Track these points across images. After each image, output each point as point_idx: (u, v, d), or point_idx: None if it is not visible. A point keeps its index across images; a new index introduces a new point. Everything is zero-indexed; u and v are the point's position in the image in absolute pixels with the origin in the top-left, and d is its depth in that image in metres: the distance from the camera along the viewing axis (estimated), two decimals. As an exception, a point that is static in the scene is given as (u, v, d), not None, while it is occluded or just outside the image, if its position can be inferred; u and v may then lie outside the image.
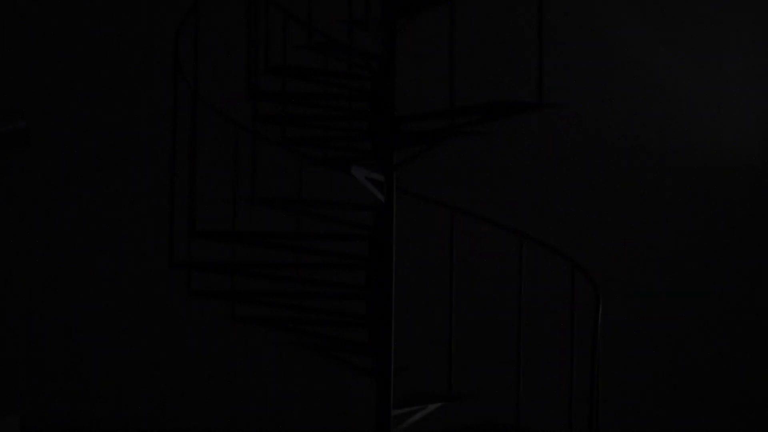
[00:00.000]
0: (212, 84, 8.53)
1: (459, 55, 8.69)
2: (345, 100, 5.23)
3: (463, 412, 8.35)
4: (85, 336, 8.61)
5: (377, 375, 4.97)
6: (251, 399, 8.62)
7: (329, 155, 5.40)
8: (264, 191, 8.36)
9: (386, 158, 4.93)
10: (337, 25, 6.82)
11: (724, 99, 8.73)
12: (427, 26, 8.20)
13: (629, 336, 8.67)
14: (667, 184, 8.73)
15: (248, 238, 4.85)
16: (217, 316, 8.17)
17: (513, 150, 8.60)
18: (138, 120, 8.66)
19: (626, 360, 8.66)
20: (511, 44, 8.66)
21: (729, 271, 8.73)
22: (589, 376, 5.23)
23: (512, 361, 8.53)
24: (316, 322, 4.99)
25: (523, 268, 5.40)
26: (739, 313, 8.72)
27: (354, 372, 5.14)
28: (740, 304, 8.72)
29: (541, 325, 8.61)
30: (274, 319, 5.16)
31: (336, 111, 5.24)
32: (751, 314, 8.71)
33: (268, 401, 8.62)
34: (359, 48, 5.00)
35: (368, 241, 4.96)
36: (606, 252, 8.69)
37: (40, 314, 8.61)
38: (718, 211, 8.73)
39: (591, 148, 8.71)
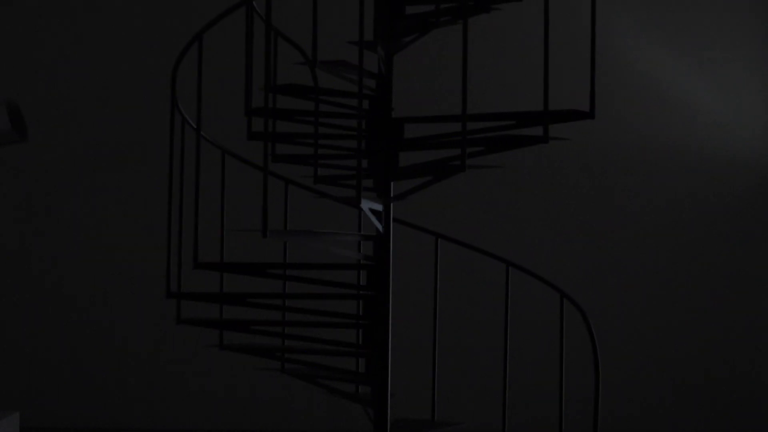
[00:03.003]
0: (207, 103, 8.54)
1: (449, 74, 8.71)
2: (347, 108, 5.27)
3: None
4: (84, 336, 8.63)
5: (372, 386, 5.01)
6: (251, 399, 8.64)
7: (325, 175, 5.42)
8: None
9: (385, 189, 4.96)
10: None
11: (727, 104, 8.74)
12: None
13: (625, 336, 8.70)
14: (666, 186, 8.75)
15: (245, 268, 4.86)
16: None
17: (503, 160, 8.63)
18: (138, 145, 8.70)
19: (618, 359, 8.69)
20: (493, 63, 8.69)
21: (729, 273, 8.74)
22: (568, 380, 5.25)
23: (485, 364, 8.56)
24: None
25: (438, 266, 5.50)
26: (740, 314, 8.73)
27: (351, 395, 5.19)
28: (741, 306, 8.74)
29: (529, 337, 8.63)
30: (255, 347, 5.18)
31: (336, 123, 5.27)
32: (752, 316, 8.73)
33: (268, 401, 8.63)
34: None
35: (367, 269, 4.99)
36: (604, 252, 8.71)
37: (40, 314, 8.63)
38: (719, 214, 8.75)
39: (590, 150, 8.72)
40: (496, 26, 8.61)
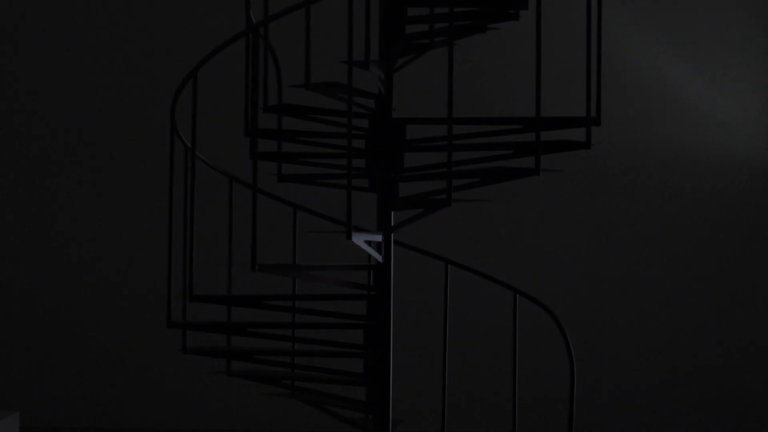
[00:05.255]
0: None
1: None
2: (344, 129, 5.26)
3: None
4: (84, 336, 8.63)
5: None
6: (250, 399, 8.64)
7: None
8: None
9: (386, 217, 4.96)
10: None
11: (728, 104, 8.75)
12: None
13: (626, 337, 8.70)
14: (665, 187, 8.75)
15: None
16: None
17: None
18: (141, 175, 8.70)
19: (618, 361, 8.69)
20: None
21: (730, 273, 8.74)
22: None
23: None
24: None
25: (371, 263, 5.50)
26: (741, 314, 8.73)
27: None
28: (741, 306, 8.73)
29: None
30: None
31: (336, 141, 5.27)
32: (753, 316, 8.73)
33: (266, 401, 8.63)
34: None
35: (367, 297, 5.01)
36: (605, 249, 8.71)
37: (40, 314, 8.63)
38: (719, 214, 8.75)
39: (589, 151, 8.73)
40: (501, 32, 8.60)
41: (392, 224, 5.10)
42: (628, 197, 8.72)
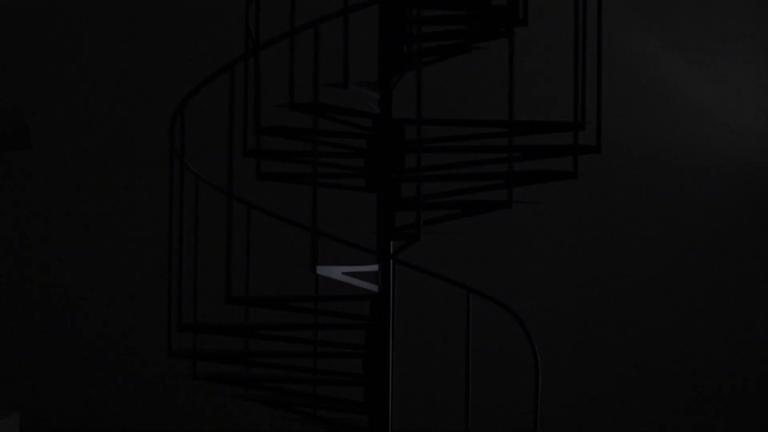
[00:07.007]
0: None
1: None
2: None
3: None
4: (85, 337, 8.63)
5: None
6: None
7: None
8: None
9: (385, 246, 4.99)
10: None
11: (727, 103, 8.76)
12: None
13: (622, 335, 8.72)
14: (666, 188, 8.75)
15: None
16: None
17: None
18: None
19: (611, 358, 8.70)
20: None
21: (730, 273, 8.75)
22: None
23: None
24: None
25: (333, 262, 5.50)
26: (741, 314, 8.74)
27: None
28: (741, 307, 8.74)
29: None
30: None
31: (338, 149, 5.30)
32: (753, 316, 8.74)
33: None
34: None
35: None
36: (606, 248, 8.72)
37: (40, 314, 8.64)
38: (720, 214, 8.76)
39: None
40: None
41: (392, 264, 5.09)
42: (627, 197, 8.73)
